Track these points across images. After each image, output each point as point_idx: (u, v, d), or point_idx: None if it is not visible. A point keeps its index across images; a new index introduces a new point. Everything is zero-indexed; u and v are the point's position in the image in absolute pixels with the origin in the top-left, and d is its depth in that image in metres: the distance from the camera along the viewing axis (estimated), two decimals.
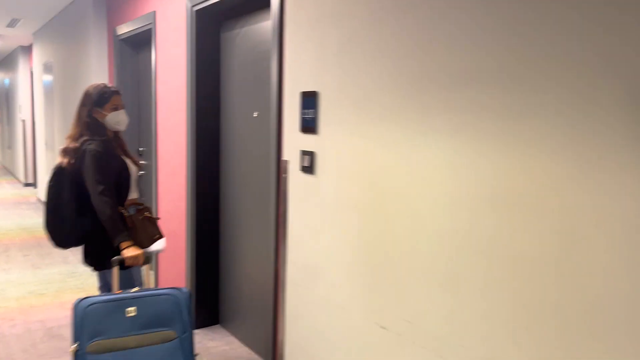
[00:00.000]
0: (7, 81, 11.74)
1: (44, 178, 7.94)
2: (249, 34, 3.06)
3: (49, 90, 7.22)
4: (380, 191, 1.78)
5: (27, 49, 9.66)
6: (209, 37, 3.34)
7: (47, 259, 5.13)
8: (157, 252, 2.61)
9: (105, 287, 2.65)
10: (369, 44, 1.80)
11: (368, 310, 1.87)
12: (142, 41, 4.49)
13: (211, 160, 3.44)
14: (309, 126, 2.08)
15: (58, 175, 2.52)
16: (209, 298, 3.50)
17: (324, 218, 2.04)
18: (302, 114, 2.11)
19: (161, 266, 3.96)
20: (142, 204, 2.70)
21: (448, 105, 1.54)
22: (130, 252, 2.34)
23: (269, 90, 2.76)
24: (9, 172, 11.87)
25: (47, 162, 7.59)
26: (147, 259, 2.40)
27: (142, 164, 2.81)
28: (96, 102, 2.57)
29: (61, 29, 6.33)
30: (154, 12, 3.87)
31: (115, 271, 2.40)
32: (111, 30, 4.89)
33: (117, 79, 4.77)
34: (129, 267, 2.44)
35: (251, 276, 3.13)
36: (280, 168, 2.50)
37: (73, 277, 4.60)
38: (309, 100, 2.06)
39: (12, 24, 7.16)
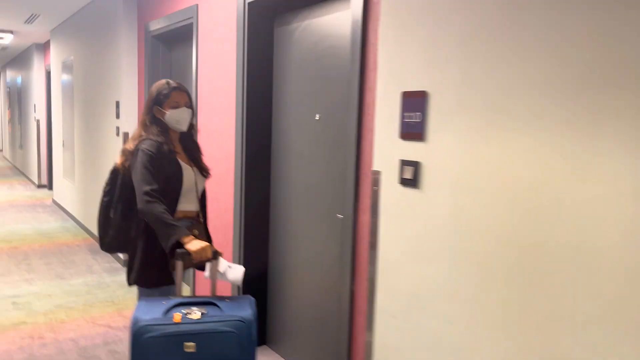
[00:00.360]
0: (19, 79, 11.48)
1: (60, 179, 7.67)
2: (311, 28, 2.76)
3: (68, 89, 6.94)
4: (524, 214, 1.47)
5: (42, 47, 9.40)
6: (262, 33, 3.05)
7: (71, 268, 4.85)
8: (233, 282, 2.29)
9: None
10: (509, 34, 1.50)
11: (500, 356, 1.57)
12: (177, 37, 4.20)
13: (262, 166, 3.15)
14: (413, 132, 1.78)
15: (112, 175, 2.39)
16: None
17: (434, 241, 1.74)
18: (403, 117, 1.81)
19: (201, 280, 3.66)
20: (197, 219, 2.40)
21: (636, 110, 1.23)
22: (195, 245, 2.07)
23: (344, 90, 2.46)
24: (21, 172, 11.60)
25: (65, 163, 7.32)
26: (215, 253, 2.13)
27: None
28: (155, 99, 2.34)
29: (84, 25, 6.05)
30: (196, 5, 3.58)
31: (179, 267, 2.13)
32: (142, 26, 4.61)
33: (148, 77, 4.48)
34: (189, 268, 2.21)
35: (310, 296, 2.83)
36: (360, 178, 2.21)
37: (100, 288, 4.31)
38: (414, 101, 1.77)
39: (30, 20, 6.89)
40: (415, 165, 1.78)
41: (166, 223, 2.11)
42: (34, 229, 6.39)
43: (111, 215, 2.38)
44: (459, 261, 1.67)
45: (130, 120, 4.80)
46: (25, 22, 7.11)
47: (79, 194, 6.55)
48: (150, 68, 4.46)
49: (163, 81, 2.37)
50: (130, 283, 2.32)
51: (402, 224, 1.86)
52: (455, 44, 1.65)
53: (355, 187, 2.22)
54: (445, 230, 1.70)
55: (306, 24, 2.81)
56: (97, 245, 5.67)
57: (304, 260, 2.88)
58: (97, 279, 4.54)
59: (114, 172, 2.40)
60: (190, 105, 2.40)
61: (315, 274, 2.78)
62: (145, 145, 2.24)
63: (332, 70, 2.60)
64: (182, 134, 2.40)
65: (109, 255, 5.29)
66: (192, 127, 2.47)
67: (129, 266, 2.33)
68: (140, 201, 2.14)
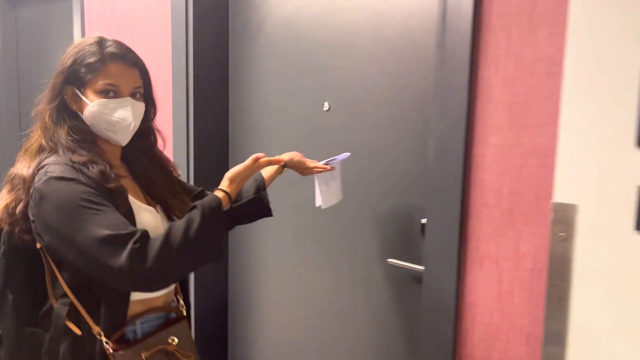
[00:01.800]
0: None
1: None
2: None
3: None
4: None
5: None
6: None
7: None
8: None
9: None
10: None
11: None
12: None
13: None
14: None
15: None
16: None
17: None
18: None
19: None
20: (175, 311, 1.29)
21: None
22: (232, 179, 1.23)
23: (385, 62, 1.55)
24: None
25: None
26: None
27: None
28: (69, 74, 1.17)
29: None
30: None
31: None
32: None
33: None
34: None
35: None
36: (468, 210, 1.35)
37: None
38: None
39: None
40: None
41: (191, 233, 1.09)
42: None
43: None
44: None
45: None
46: None
47: None
48: None
49: (91, 39, 1.17)
50: None
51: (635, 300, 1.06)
52: None
53: (460, 224, 1.36)
54: None
55: None
56: None
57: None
58: None
59: None
60: (147, 96, 1.26)
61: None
62: (55, 172, 1.07)
63: (351, 35, 1.67)
64: (130, 147, 1.25)
65: None
66: (152, 134, 1.33)
67: None
68: (99, 262, 1.02)
